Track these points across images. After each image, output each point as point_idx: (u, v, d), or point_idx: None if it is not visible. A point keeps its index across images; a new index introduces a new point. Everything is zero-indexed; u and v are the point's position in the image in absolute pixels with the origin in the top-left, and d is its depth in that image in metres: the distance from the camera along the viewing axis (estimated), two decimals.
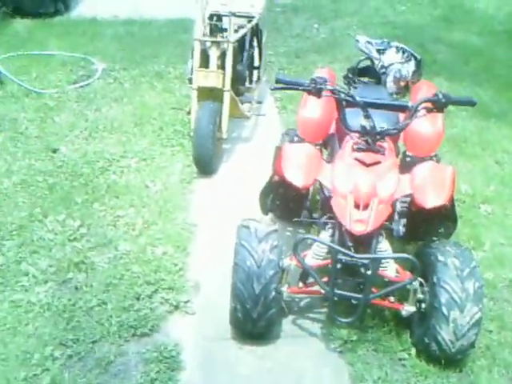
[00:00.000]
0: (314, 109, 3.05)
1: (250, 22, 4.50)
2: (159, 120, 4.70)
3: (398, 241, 2.80)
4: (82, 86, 5.33)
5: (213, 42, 3.99)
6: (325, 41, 6.57)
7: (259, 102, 4.83)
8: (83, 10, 7.37)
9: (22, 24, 6.75)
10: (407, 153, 3.06)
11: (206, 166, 3.94)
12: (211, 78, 3.89)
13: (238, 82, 4.39)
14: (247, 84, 4.73)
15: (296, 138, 3.12)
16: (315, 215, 2.81)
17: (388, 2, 7.89)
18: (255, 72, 4.95)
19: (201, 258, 3.23)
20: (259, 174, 3.97)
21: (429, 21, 7.21)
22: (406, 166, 2.87)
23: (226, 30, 4.34)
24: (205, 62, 4.05)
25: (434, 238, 2.66)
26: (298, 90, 2.56)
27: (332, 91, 2.48)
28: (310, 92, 2.50)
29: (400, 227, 2.68)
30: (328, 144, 3.18)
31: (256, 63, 4.94)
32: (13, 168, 4.01)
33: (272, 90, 2.57)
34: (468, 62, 5.99)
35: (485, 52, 6.24)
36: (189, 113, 4.30)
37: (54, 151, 4.25)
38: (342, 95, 2.50)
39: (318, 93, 2.48)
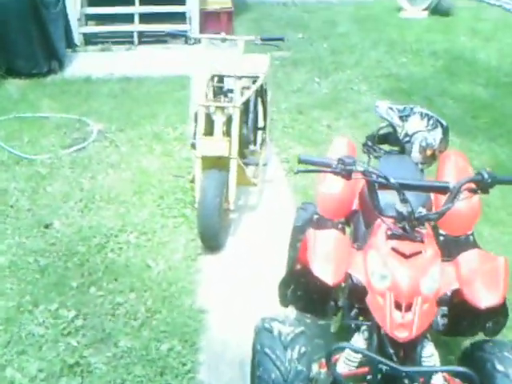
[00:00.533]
0: (334, 184, 2.75)
1: (254, 82, 4.27)
2: (159, 188, 4.40)
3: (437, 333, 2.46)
4: (76, 151, 5.05)
5: (218, 107, 3.73)
6: (327, 96, 6.37)
7: (264, 165, 4.56)
8: (77, 68, 7.19)
9: (13, 84, 6.53)
10: (440, 231, 2.75)
11: (212, 240, 3.61)
12: (217, 146, 3.60)
13: (242, 145, 4.12)
14: (251, 147, 4.45)
15: (316, 216, 2.80)
16: (340, 303, 2.47)
17: (389, 54, 7.76)
18: (259, 133, 4.68)
19: (212, 355, 2.86)
20: (270, 249, 3.68)
21: (432, 72, 7.05)
22: (440, 247, 2.55)
23: (229, 91, 4.10)
24: (209, 127, 3.78)
25: (482, 335, 2.33)
26: (325, 172, 2.27)
27: (363, 173, 2.19)
28: (338, 174, 2.20)
29: (439, 319, 2.35)
30: (351, 221, 2.87)
31: (260, 123, 4.68)
32: (1, 247, 3.67)
33: (296, 173, 2.27)
34: (477, 116, 5.76)
35: (494, 105, 6.02)
36: (192, 181, 4.01)
37: (47, 226, 3.92)
38: (374, 176, 2.20)
39: (347, 175, 2.18)
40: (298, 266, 2.44)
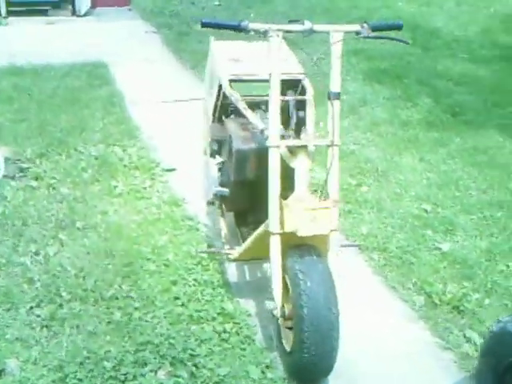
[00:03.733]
0: None
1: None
2: (159, 261, 2.78)
3: None
4: None
5: (300, 147, 2.22)
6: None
7: None
8: None
9: None
10: None
11: (325, 373, 2.15)
12: (322, 217, 2.09)
13: None
14: None
15: None
16: None
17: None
18: None
19: None
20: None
21: (402, 47, 5.85)
22: None
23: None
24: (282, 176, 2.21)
25: None
26: None
27: None
28: None
29: None
30: None
31: None
32: None
33: None
34: (497, 102, 4.72)
35: (502, 85, 5.03)
36: (236, 260, 2.50)
37: None
38: None
39: None
40: None
